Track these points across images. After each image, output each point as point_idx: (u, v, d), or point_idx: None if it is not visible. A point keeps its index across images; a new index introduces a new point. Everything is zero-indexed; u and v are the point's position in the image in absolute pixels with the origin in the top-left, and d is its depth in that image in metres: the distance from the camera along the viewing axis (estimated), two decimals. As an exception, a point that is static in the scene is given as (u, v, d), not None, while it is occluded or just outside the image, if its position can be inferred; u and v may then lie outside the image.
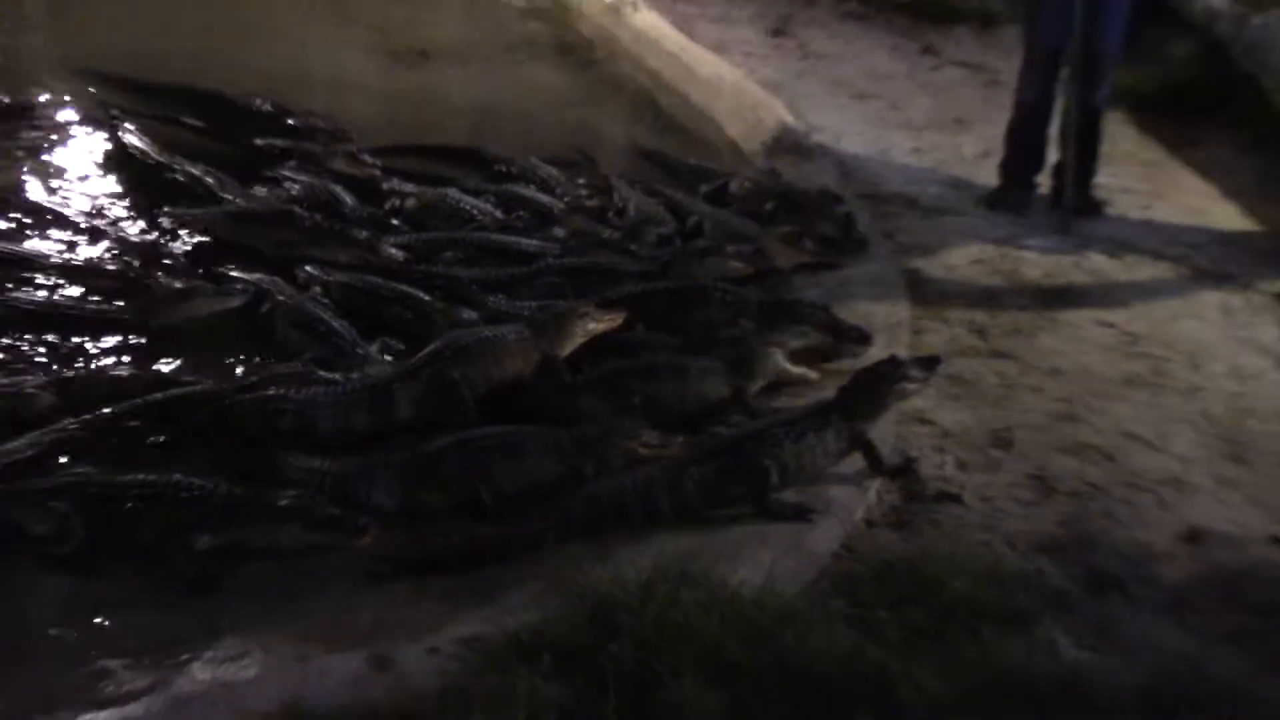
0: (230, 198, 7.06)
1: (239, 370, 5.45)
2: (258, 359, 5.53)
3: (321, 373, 5.27)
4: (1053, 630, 3.94)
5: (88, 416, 4.87)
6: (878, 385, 4.88)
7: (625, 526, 4.42)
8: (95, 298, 5.99)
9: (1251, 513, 4.74)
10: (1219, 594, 4.23)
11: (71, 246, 6.56)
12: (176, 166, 7.43)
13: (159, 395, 5.00)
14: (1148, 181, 8.15)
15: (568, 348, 5.39)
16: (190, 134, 8.11)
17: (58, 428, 4.80)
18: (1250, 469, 5.05)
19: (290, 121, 8.32)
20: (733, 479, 4.58)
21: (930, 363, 5.07)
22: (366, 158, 7.72)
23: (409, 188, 7.33)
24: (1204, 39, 9.33)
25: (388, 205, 7.20)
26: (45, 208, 6.94)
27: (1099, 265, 6.86)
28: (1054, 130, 7.56)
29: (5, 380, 5.12)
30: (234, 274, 6.14)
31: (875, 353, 5.55)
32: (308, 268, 6.23)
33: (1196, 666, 3.84)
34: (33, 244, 6.52)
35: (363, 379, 5.19)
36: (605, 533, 4.38)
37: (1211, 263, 6.92)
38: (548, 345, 5.33)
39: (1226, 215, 7.68)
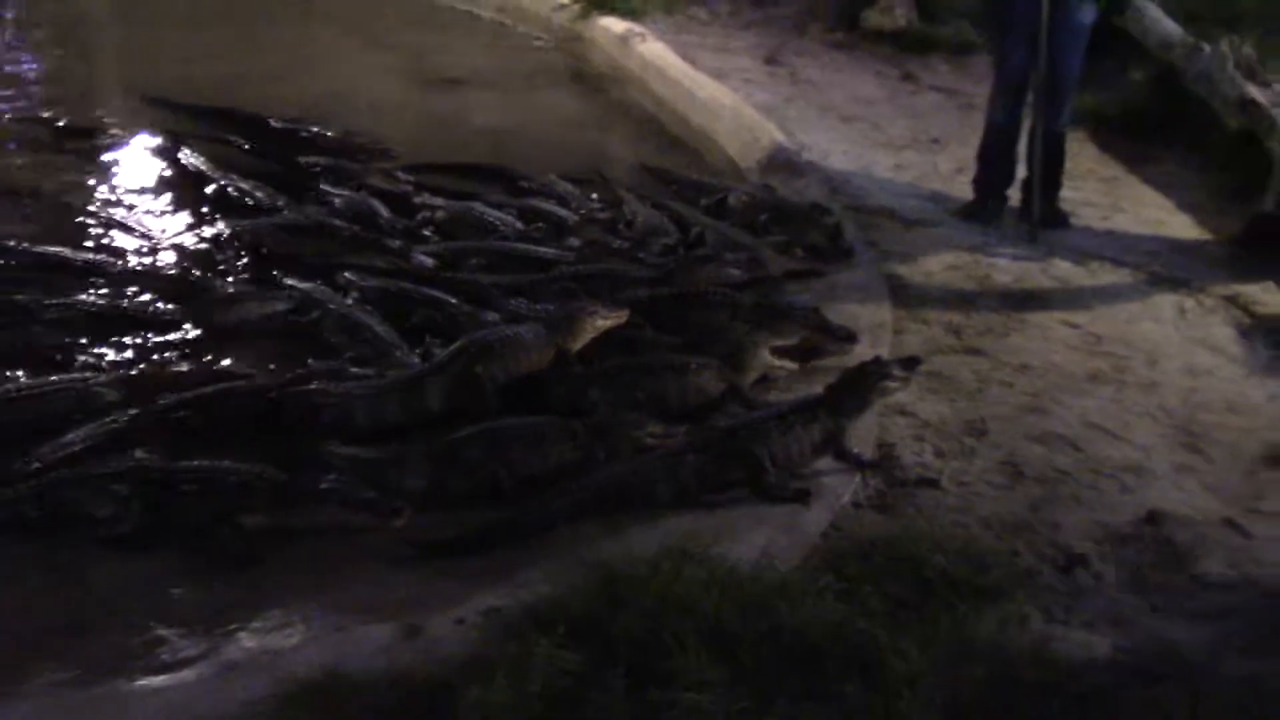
0: (277, 211, 7.03)
1: (284, 367, 5.39)
2: (307, 358, 5.49)
3: (357, 369, 5.24)
4: (1024, 605, 3.89)
5: (138, 410, 4.84)
6: (863, 383, 4.84)
7: (630, 509, 4.38)
8: (156, 301, 5.95)
9: (1206, 497, 4.69)
10: (1178, 572, 4.19)
11: (134, 254, 6.54)
12: (228, 182, 7.41)
13: (208, 389, 4.97)
14: (1108, 195, 8.09)
15: (579, 343, 5.36)
16: (241, 153, 8.08)
17: (111, 420, 4.77)
18: (1204, 457, 4.99)
19: (331, 141, 8.29)
20: (727, 467, 4.54)
21: (911, 363, 5.03)
22: (400, 174, 7.69)
23: (439, 201, 7.28)
24: (1159, 66, 9.26)
25: (419, 217, 7.15)
26: (111, 220, 6.92)
27: (1064, 271, 6.80)
28: (1022, 149, 7.51)
29: (74, 376, 5.09)
30: (286, 281, 6.10)
31: (860, 350, 5.52)
32: (346, 274, 6.19)
33: (1158, 638, 3.80)
34: (100, 252, 6.49)
35: (395, 375, 5.16)
36: (613, 515, 4.34)
37: (1167, 269, 6.85)
38: (561, 340, 5.30)
39: (1181, 226, 7.61)
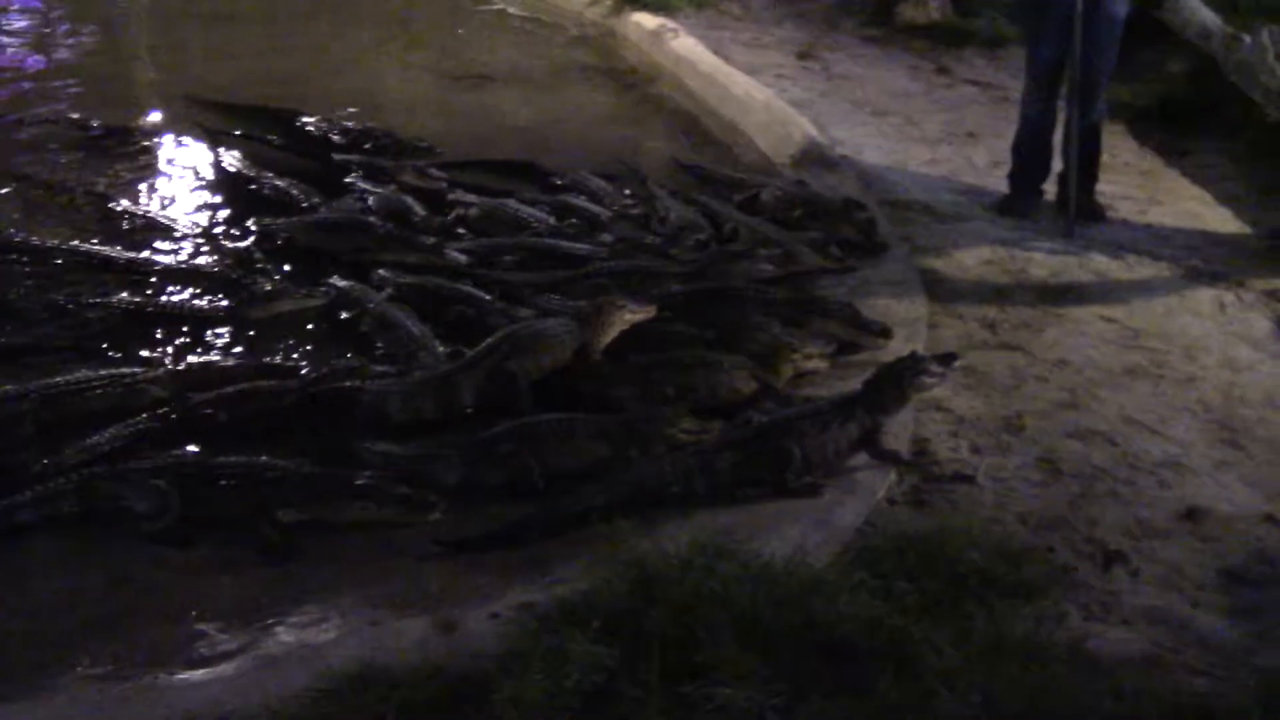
0: (312, 209, 7.09)
1: (320, 363, 5.43)
2: (344, 354, 5.53)
3: (391, 366, 5.29)
4: (1061, 601, 3.87)
5: (167, 410, 4.90)
6: (899, 380, 4.81)
7: (664, 505, 4.38)
8: (196, 298, 6.02)
9: (1246, 493, 4.65)
10: (1217, 569, 4.15)
11: (173, 252, 6.61)
12: (265, 181, 7.48)
13: (242, 386, 5.01)
14: (1146, 188, 8.01)
15: (608, 338, 5.38)
16: (277, 151, 8.15)
17: (140, 420, 4.83)
18: (1244, 453, 4.94)
19: (367, 139, 8.34)
20: (760, 463, 4.54)
21: (948, 359, 5.00)
22: (433, 171, 7.71)
23: (472, 198, 7.31)
24: (1197, 57, 9.16)
25: (452, 214, 7.18)
26: (153, 219, 6.99)
27: (1101, 265, 6.74)
28: (1058, 142, 7.45)
29: (120, 372, 5.15)
30: (326, 278, 6.15)
31: (895, 345, 5.49)
32: (381, 271, 6.24)
33: (1197, 635, 3.77)
34: (139, 250, 6.57)
35: (429, 370, 5.19)
36: (645, 511, 4.34)
37: (1206, 262, 6.77)
38: (590, 336, 5.32)
39: (1219, 219, 7.52)
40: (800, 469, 4.52)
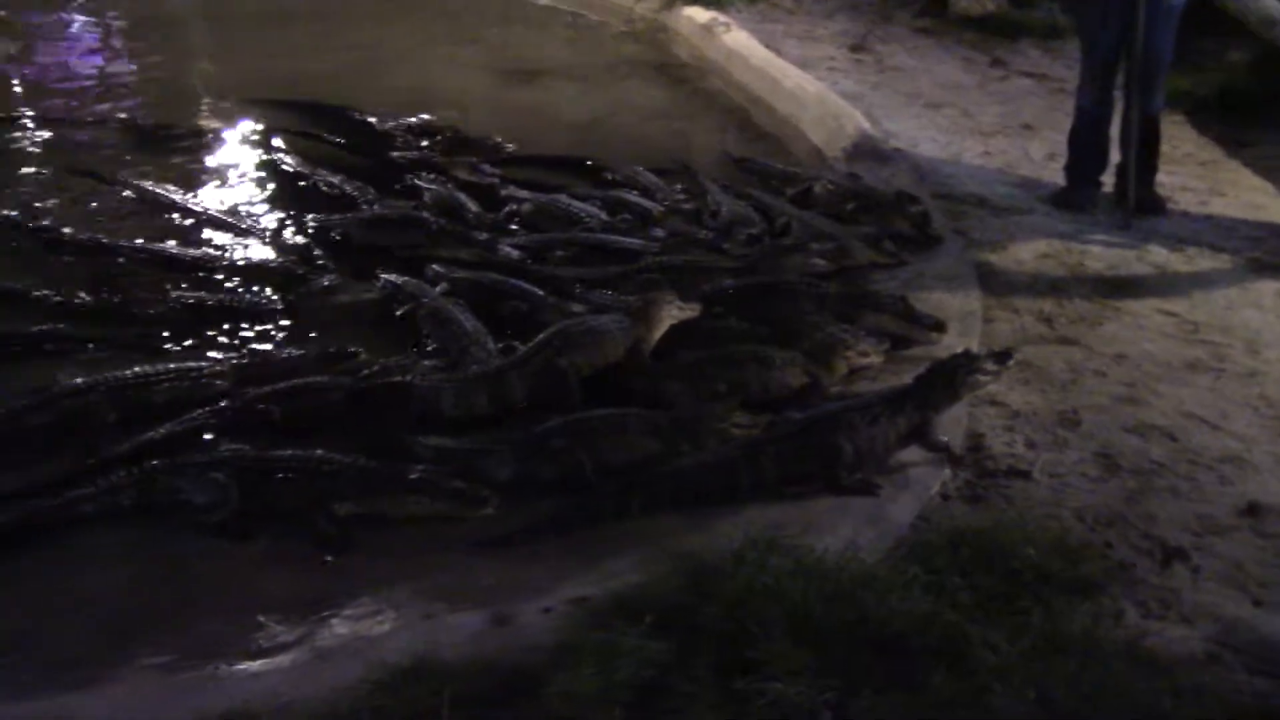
0: (367, 205, 7.16)
1: (369, 359, 5.49)
2: (402, 349, 5.58)
3: (442, 361, 5.33)
4: (1118, 599, 3.82)
5: (224, 404, 4.97)
6: (952, 377, 4.76)
7: (710, 500, 4.37)
8: (256, 293, 6.10)
9: (1309, 489, 4.56)
10: (1279, 566, 4.07)
11: (234, 249, 6.70)
12: (320, 177, 7.56)
13: (295, 382, 5.07)
14: (1206, 180, 7.87)
15: (658, 333, 5.39)
16: (332, 148, 8.24)
17: (196, 415, 4.90)
18: (1307, 447, 4.85)
19: (425, 135, 8.42)
20: (809, 458, 4.51)
21: (1003, 356, 4.92)
22: (486, 168, 7.76)
23: (524, 194, 7.35)
24: (1259, 46, 8.99)
25: (505, 210, 7.22)
26: (211, 216, 7.08)
27: (1160, 258, 6.64)
28: (1115, 133, 7.34)
29: (188, 364, 5.24)
30: (382, 275, 6.20)
31: (949, 340, 5.45)
32: (435, 266, 6.28)
33: (1258, 634, 3.70)
34: (201, 248, 6.68)
35: (482, 366, 5.22)
36: (691, 505, 4.34)
37: (1268, 255, 6.64)
38: (642, 331, 5.33)
39: (1282, 210, 7.39)
40: (851, 464, 4.49)
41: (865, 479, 4.46)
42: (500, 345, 5.50)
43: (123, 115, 8.91)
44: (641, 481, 4.46)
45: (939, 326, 5.55)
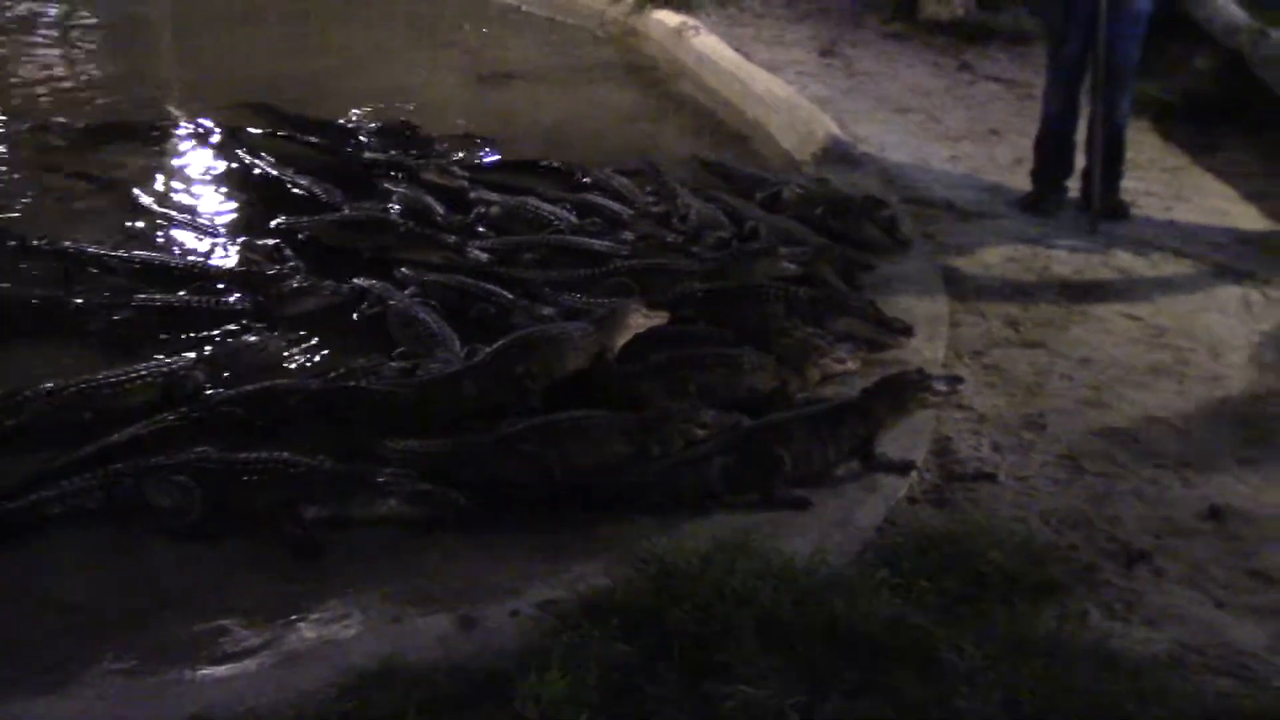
0: (335, 207, 7.12)
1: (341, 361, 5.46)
2: (368, 351, 5.55)
3: (400, 364, 5.32)
4: (1083, 601, 3.85)
5: (185, 409, 4.93)
6: (901, 392, 4.76)
7: (656, 511, 4.35)
8: (225, 295, 6.04)
9: (1271, 492, 4.60)
10: (1241, 568, 4.11)
11: (202, 251, 6.65)
12: (289, 180, 7.51)
13: (260, 385, 5.04)
14: (1170, 185, 7.95)
15: (623, 340, 5.37)
16: (301, 149, 8.19)
17: (159, 419, 4.86)
18: (1269, 451, 4.89)
19: (394, 135, 8.40)
20: (751, 467, 4.48)
21: (954, 380, 4.96)
22: (455, 170, 7.73)
23: (493, 197, 7.32)
24: (1224, 53, 9.08)
25: (474, 213, 7.20)
26: (180, 219, 7.03)
27: (1125, 263, 6.70)
28: (1081, 139, 7.40)
29: (161, 363, 5.21)
30: (349, 276, 6.16)
31: (916, 344, 5.50)
32: (403, 269, 6.26)
33: (1221, 635, 3.74)
34: (169, 249, 6.63)
35: (438, 370, 5.20)
36: (631, 514, 4.34)
37: (1231, 260, 6.72)
38: (606, 339, 5.31)
39: (1245, 216, 7.46)
40: (789, 476, 4.45)
41: (798, 495, 4.40)
42: (466, 349, 5.48)
43: (87, 117, 8.80)
44: (584, 488, 4.47)
45: (906, 330, 5.58)
